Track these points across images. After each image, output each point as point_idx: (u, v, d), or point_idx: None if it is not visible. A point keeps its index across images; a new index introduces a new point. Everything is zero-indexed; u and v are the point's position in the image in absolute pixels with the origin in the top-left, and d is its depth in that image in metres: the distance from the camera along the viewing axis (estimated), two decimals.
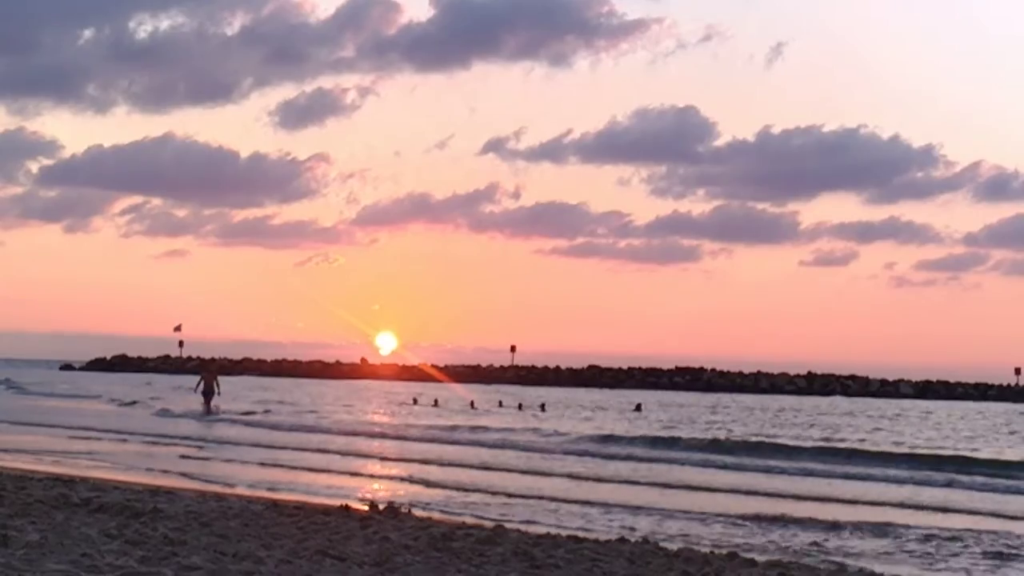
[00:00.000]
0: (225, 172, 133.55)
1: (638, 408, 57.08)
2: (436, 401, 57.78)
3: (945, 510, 18.85)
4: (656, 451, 30.94)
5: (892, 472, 25.90)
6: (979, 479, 24.84)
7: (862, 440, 37.21)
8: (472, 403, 56.83)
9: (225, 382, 53.03)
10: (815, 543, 13.86)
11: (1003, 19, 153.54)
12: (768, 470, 25.93)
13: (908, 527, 15.69)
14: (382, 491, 19.11)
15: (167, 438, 30.54)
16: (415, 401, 59.31)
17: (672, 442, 33.54)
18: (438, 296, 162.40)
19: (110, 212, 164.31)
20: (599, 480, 22.45)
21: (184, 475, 20.25)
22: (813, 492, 21.17)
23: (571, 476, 22.97)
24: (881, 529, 15.43)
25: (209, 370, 44.23)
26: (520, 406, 57.91)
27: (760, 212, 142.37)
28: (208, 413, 41.17)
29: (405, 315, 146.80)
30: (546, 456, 28.17)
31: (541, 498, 18.28)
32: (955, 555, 13.58)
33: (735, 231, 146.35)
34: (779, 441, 35.09)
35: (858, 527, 15.53)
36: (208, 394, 42.24)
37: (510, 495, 18.60)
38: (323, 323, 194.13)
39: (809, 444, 34.19)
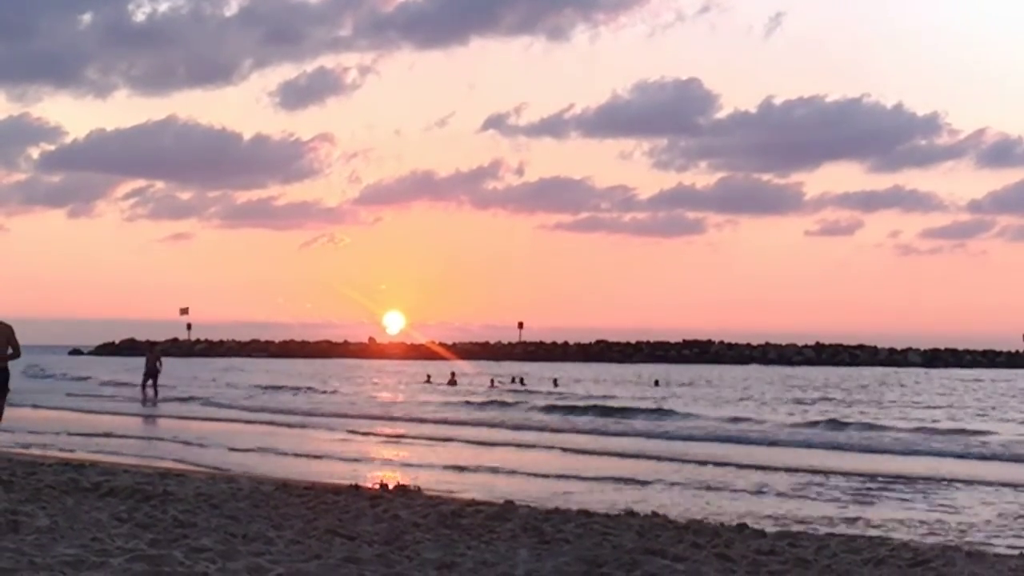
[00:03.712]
0: (228, 154, 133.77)
1: (657, 383, 57.59)
2: (453, 376, 57.69)
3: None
4: None
5: None
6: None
7: None
8: (492, 381, 57.15)
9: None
10: None
11: None
12: None
13: None
14: None
15: None
16: (428, 379, 59.87)
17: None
18: (444, 274, 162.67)
19: (113, 196, 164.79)
20: None
21: None
22: None
23: None
24: None
25: (153, 352, 43.78)
26: (521, 380, 58.48)
27: (764, 183, 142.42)
28: (155, 395, 41.13)
29: (411, 293, 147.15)
30: None
31: None
32: None
33: (739, 203, 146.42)
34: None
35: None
36: (152, 375, 41.93)
37: None
38: (330, 303, 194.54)
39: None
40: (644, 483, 17.33)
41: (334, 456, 21.35)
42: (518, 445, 24.42)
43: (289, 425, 29.74)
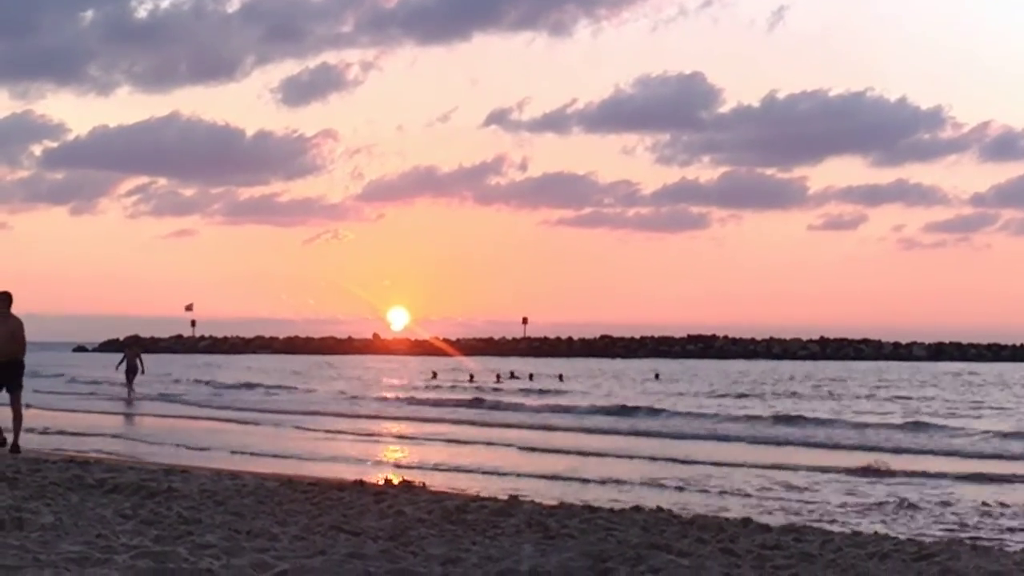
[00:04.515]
0: (231, 150, 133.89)
1: (657, 377, 58.08)
2: (472, 377, 57.50)
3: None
4: None
5: None
6: None
7: None
8: (498, 377, 57.24)
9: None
10: None
11: None
12: None
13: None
14: None
15: None
16: (434, 375, 59.87)
17: None
18: (448, 269, 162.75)
19: (116, 193, 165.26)
20: None
21: None
22: None
23: None
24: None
25: (132, 348, 43.35)
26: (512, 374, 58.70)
27: (768, 177, 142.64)
28: (131, 392, 40.94)
29: (416, 289, 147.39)
30: None
31: None
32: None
33: (743, 197, 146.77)
34: None
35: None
36: (131, 372, 41.60)
37: None
38: (334, 299, 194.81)
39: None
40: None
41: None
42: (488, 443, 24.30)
43: (255, 423, 29.67)
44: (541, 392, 46.06)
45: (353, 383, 55.23)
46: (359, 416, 32.84)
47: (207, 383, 52.07)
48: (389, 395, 44.76)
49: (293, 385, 51.44)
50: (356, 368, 78.21)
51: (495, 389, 48.25)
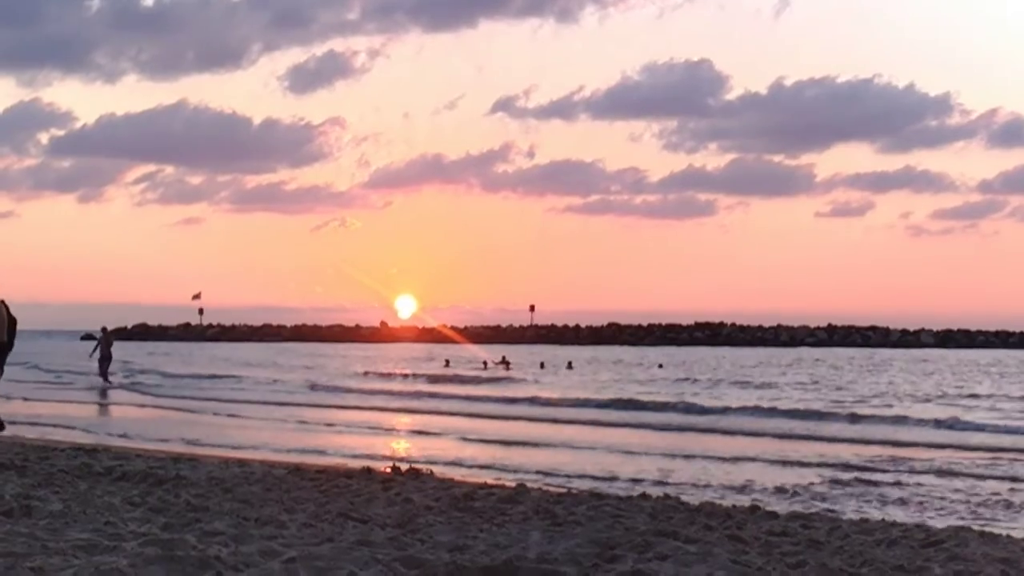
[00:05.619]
0: (238, 138, 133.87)
1: (661, 367, 58.31)
2: (485, 363, 57.25)
3: None
4: None
5: None
6: None
7: None
8: (507, 365, 57.16)
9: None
10: None
11: None
12: None
13: None
14: None
15: None
16: (447, 363, 59.98)
17: None
18: (455, 257, 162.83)
19: (123, 181, 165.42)
20: None
21: None
22: None
23: None
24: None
25: (107, 336, 43.15)
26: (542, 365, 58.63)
27: (775, 165, 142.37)
28: (106, 379, 40.87)
29: (423, 277, 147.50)
30: None
31: None
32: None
33: (750, 184, 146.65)
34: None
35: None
36: (105, 360, 41.45)
37: None
38: (341, 287, 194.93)
39: None
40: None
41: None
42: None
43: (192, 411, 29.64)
44: (540, 382, 45.88)
45: (334, 373, 54.62)
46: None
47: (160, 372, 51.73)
48: (366, 385, 44.39)
49: (240, 374, 50.87)
50: (350, 356, 77.85)
51: (508, 378, 48.04)
